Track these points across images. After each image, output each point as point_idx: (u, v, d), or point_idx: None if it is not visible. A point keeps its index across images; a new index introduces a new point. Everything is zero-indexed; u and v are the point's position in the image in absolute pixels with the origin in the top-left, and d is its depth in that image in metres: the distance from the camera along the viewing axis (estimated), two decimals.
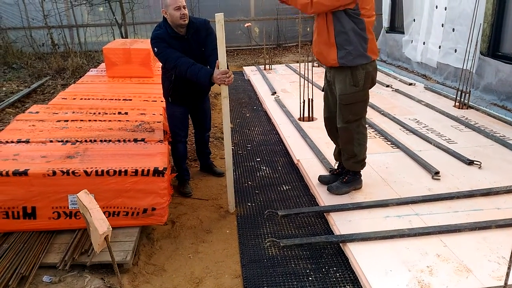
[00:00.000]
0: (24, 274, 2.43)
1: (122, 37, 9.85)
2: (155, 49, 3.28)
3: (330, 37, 3.01)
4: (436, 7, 6.67)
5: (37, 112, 4.04)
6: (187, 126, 3.75)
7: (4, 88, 7.86)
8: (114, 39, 9.78)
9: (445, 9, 6.42)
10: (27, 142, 3.23)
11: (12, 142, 3.21)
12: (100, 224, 1.43)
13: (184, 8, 3.24)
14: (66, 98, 4.70)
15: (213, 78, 3.13)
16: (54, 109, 4.21)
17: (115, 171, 2.76)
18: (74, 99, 4.68)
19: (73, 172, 2.72)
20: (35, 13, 10.48)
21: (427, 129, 4.74)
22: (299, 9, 3.00)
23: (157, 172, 2.80)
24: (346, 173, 3.43)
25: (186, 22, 3.27)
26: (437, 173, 3.60)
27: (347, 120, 3.19)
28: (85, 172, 2.73)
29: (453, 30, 6.28)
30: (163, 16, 3.32)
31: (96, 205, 1.48)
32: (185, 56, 3.26)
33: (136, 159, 2.94)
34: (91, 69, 6.85)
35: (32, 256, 2.57)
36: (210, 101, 4.00)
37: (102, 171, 2.75)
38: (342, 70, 3.07)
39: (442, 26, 6.53)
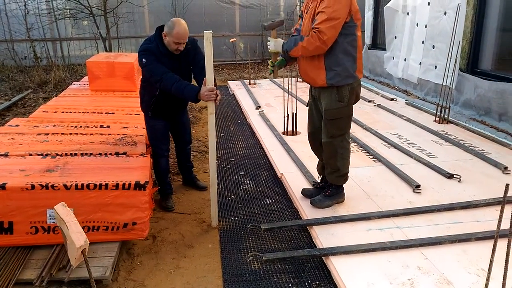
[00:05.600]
0: None
1: (107, 51, 9.82)
2: (144, 60, 3.23)
3: (319, 61, 3.05)
4: (417, 24, 6.83)
5: (17, 125, 3.98)
6: (169, 140, 3.73)
7: None
8: (98, 53, 9.75)
9: (425, 27, 6.58)
10: (5, 155, 3.17)
11: None
12: (77, 237, 1.40)
13: (183, 44, 3.24)
14: (47, 111, 4.64)
15: (199, 95, 3.13)
16: (35, 122, 4.16)
17: (95, 185, 2.72)
18: (56, 112, 4.63)
19: (52, 186, 2.67)
20: (18, 26, 10.38)
21: (408, 143, 4.81)
22: (312, 49, 2.95)
23: (138, 186, 2.77)
24: (329, 186, 3.44)
25: (177, 53, 3.29)
26: (418, 186, 3.64)
27: (331, 135, 3.21)
28: (65, 186, 2.69)
29: (433, 47, 6.43)
30: (157, 32, 3.30)
31: (74, 218, 1.45)
32: (172, 72, 3.25)
33: (117, 173, 2.91)
34: (73, 83, 6.79)
35: (8, 272, 2.50)
36: (189, 114, 3.98)
37: (82, 185, 2.71)
38: (328, 87, 3.11)
39: (423, 43, 6.69)
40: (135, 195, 2.77)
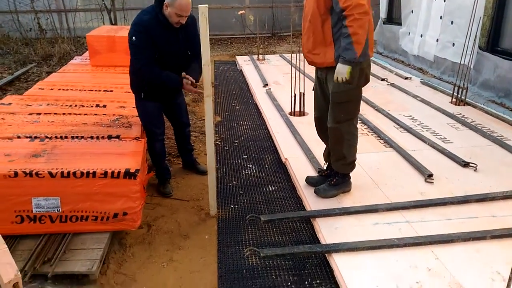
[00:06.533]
0: None
1: (112, 23, 9.54)
2: (134, 37, 3.00)
3: (327, 36, 2.82)
4: None
5: (9, 104, 3.80)
6: (163, 122, 3.50)
7: None
8: (104, 25, 9.47)
9: (444, 1, 6.17)
10: None
11: None
12: (5, 270, 1.20)
13: (185, 17, 3.03)
14: (43, 89, 4.46)
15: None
16: (29, 100, 3.98)
17: (82, 173, 2.54)
18: (52, 89, 4.44)
19: (37, 173, 2.50)
20: None
21: (422, 127, 4.54)
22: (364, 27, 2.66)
23: (128, 174, 2.58)
24: (335, 175, 3.23)
25: (177, 26, 3.07)
26: (430, 175, 3.41)
27: (338, 120, 2.98)
28: (50, 173, 2.51)
29: (452, 22, 6.04)
30: (156, 1, 3.04)
31: (3, 244, 1.26)
32: (155, 61, 3.10)
33: (107, 159, 2.72)
34: (75, 57, 6.57)
35: None
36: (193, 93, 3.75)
37: (68, 172, 2.53)
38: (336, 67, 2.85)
39: (441, 18, 6.29)
40: (125, 184, 2.59)
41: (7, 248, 1.23)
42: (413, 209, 3.01)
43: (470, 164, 3.58)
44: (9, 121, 3.35)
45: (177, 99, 3.53)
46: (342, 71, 2.73)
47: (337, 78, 2.77)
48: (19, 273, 1.21)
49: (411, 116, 4.90)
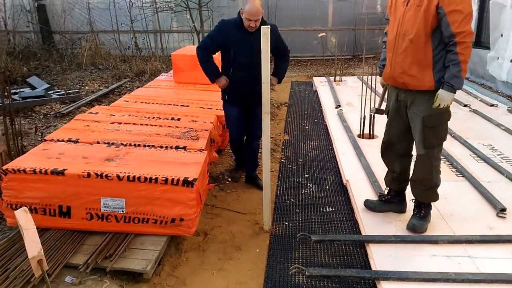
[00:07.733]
0: (48, 272, 2.50)
1: None
2: (212, 31, 3.68)
3: (426, 56, 2.68)
4: None
5: (96, 113, 4.23)
6: (241, 129, 3.88)
7: (87, 87, 8.45)
8: (194, 46, 10.11)
9: None
10: (76, 142, 3.37)
11: (62, 141, 3.37)
12: (31, 247, 1.35)
13: (255, 21, 3.46)
14: (128, 101, 4.88)
15: (218, 80, 3.65)
16: (114, 111, 4.38)
17: (145, 178, 2.75)
18: (136, 102, 4.85)
19: (106, 176, 2.77)
20: (124, 18, 11.16)
21: (501, 158, 4.21)
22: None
23: (186, 183, 2.75)
24: (420, 205, 3.04)
25: (251, 31, 3.51)
26: (503, 210, 3.15)
27: (430, 145, 2.83)
28: (118, 176, 2.76)
29: None
30: (239, 12, 3.57)
31: (33, 226, 1.42)
32: (229, 60, 3.60)
33: (169, 167, 2.93)
34: (162, 74, 7.10)
35: (60, 254, 2.65)
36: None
37: (134, 177, 2.76)
38: (432, 90, 2.73)
39: None
40: (183, 191, 2.76)
41: (35, 228, 1.40)
42: (478, 244, 2.80)
43: None
44: (93, 128, 3.73)
45: (257, 109, 3.64)
46: (447, 98, 2.64)
47: (439, 104, 2.66)
48: (42, 251, 1.36)
49: (491, 145, 4.56)
